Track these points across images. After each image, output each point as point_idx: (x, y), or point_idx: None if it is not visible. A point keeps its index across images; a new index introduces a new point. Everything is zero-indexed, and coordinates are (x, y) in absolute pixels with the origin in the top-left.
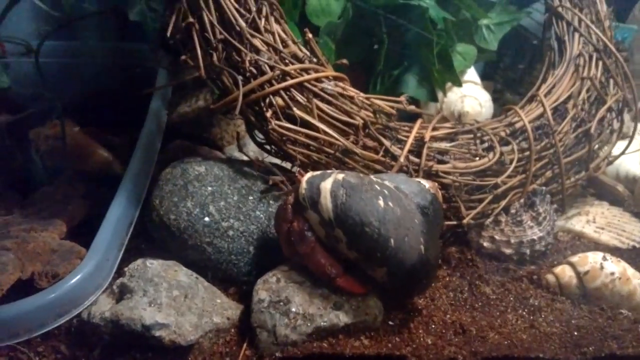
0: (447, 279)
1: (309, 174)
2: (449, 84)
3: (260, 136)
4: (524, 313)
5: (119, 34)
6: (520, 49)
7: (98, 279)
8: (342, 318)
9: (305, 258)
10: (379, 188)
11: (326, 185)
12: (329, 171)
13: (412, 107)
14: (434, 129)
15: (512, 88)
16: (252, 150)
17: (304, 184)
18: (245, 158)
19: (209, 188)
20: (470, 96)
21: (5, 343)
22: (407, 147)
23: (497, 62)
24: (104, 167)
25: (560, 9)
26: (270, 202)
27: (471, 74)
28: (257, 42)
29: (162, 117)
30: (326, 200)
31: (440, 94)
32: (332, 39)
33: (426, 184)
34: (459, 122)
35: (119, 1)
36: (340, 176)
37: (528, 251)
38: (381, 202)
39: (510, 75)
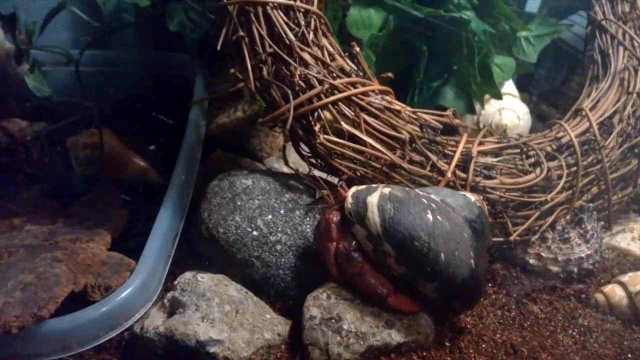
0: (494, 296)
1: (354, 189)
2: (487, 96)
3: (305, 149)
4: (574, 333)
5: (157, 43)
6: (556, 60)
7: (148, 291)
8: (395, 337)
9: (354, 278)
10: (426, 202)
11: (373, 200)
12: (373, 185)
13: (458, 122)
14: (480, 143)
15: (547, 100)
16: (292, 161)
17: (349, 199)
18: (286, 170)
19: (256, 201)
20: (508, 109)
21: (58, 356)
22: (454, 161)
23: (532, 73)
24: (140, 175)
25: (604, 22)
26: (316, 216)
27: (509, 86)
28: (306, 56)
29: (201, 128)
30: (373, 215)
31: (477, 106)
32: (374, 52)
33: (472, 197)
34: (504, 136)
35: (158, 12)
36: (387, 190)
37: (575, 269)
38: (430, 216)
39: (545, 87)
